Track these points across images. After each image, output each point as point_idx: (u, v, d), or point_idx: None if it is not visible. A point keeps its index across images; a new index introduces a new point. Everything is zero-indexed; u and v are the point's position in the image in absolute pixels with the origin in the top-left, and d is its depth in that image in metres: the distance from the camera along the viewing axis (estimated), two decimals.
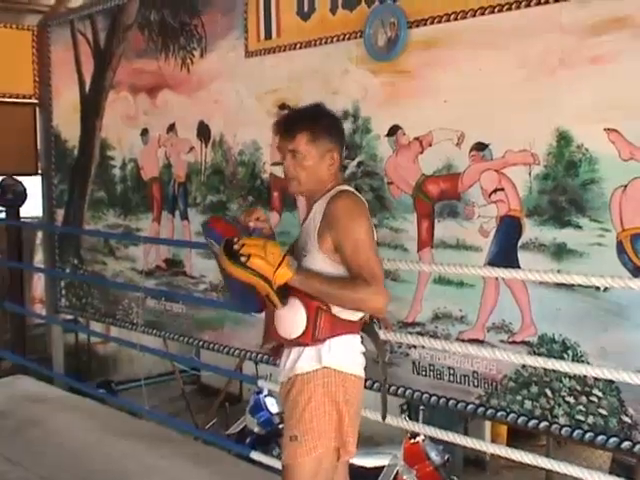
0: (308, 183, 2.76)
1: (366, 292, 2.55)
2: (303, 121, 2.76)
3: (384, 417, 3.08)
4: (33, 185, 7.09)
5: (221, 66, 5.01)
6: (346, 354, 2.75)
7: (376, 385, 3.83)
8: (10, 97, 6.88)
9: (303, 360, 2.73)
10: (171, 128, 5.49)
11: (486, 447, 3.89)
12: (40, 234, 8.40)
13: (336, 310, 2.69)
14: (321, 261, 2.67)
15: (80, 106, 6.37)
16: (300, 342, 2.71)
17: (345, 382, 2.72)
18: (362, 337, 2.86)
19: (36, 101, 6.98)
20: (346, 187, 2.79)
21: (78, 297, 6.63)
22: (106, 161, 6.16)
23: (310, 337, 2.69)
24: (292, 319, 2.70)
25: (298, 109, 2.91)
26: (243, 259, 2.52)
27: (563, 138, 3.32)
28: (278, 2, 4.52)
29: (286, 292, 2.64)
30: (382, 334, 3.78)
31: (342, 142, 2.84)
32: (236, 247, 2.54)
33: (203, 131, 5.20)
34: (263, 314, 2.86)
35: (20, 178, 6.94)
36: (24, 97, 6.95)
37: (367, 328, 2.89)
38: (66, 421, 5.17)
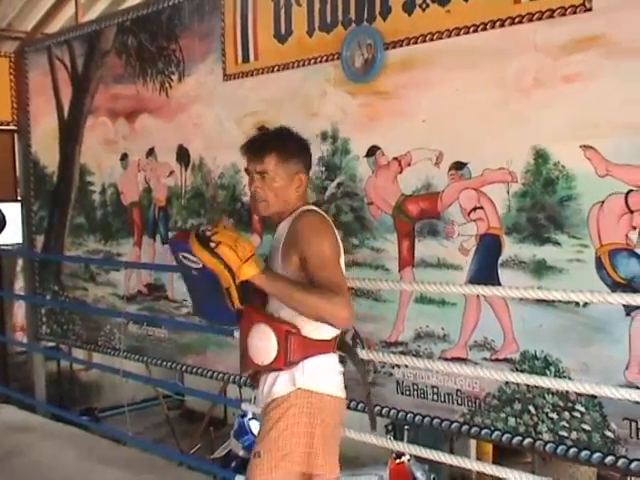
0: (276, 205, 2.77)
1: (331, 301, 2.52)
2: (272, 142, 2.78)
3: (373, 427, 3.10)
4: (12, 212, 7.06)
5: (200, 90, 5.02)
6: (321, 374, 2.75)
7: (360, 405, 3.87)
8: None
9: (278, 384, 2.74)
10: (150, 152, 5.49)
11: (472, 465, 3.88)
12: (20, 261, 8.36)
13: (307, 331, 2.69)
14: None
15: (59, 132, 6.35)
16: (274, 367, 2.72)
17: (320, 402, 2.72)
18: (341, 356, 2.86)
19: (14, 127, 6.96)
20: (310, 207, 2.81)
21: (59, 324, 6.59)
22: (86, 186, 6.15)
23: (283, 361, 2.69)
24: (263, 346, 2.70)
25: (266, 131, 2.92)
26: (212, 245, 2.51)
27: (540, 156, 3.35)
28: (255, 25, 4.54)
29: (248, 294, 2.64)
30: (365, 354, 3.79)
31: (309, 164, 2.87)
32: (208, 233, 2.54)
33: (182, 155, 5.20)
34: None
35: None
36: (2, 124, 6.93)
37: (344, 346, 2.90)
38: (50, 450, 5.14)
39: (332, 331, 2.76)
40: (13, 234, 7.26)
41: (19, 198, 7.11)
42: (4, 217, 6.85)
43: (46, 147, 6.55)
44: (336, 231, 2.77)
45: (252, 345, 2.73)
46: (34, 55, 6.62)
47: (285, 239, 2.71)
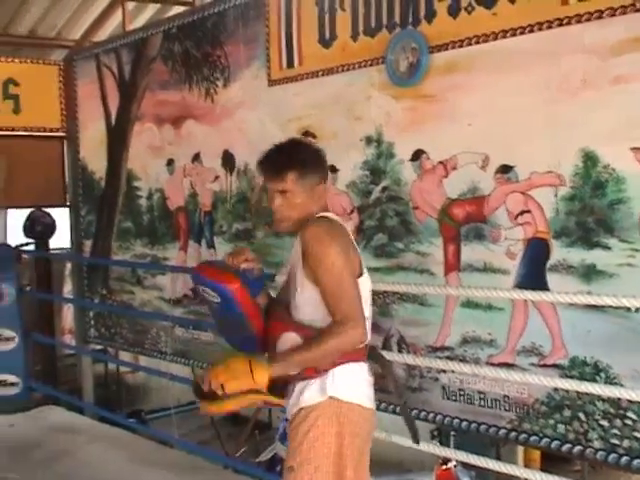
0: (299, 221, 2.74)
1: (340, 337, 2.55)
2: (289, 159, 2.74)
3: (417, 441, 3.05)
4: (61, 217, 7.16)
5: (244, 95, 5.04)
6: (351, 383, 2.72)
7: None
8: (38, 131, 6.98)
9: (307, 393, 2.70)
10: (196, 158, 5.52)
11: (519, 472, 3.83)
12: (69, 265, 8.47)
13: None
14: (311, 292, 2.67)
15: (106, 138, 6.43)
16: (303, 375, 2.69)
17: (350, 412, 2.68)
18: (370, 365, 2.83)
19: (64, 134, 7.07)
20: (322, 214, 2.77)
21: (107, 327, 6.66)
22: (133, 191, 6.21)
23: (313, 369, 2.67)
24: None
25: (279, 147, 2.82)
26: (219, 392, 2.49)
27: (589, 159, 3.29)
28: (299, 30, 4.55)
29: (279, 386, 2.65)
30: (411, 359, 3.78)
31: (327, 172, 2.85)
32: (206, 388, 2.52)
33: (228, 160, 5.23)
34: None
35: (49, 210, 7.01)
36: (52, 131, 7.04)
37: (373, 353, 2.86)
38: (97, 451, 5.20)
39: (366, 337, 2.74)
40: (62, 239, 7.37)
41: (68, 203, 7.21)
42: (54, 222, 6.95)
43: (94, 153, 6.63)
44: (348, 234, 2.76)
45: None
46: (82, 63, 6.71)
47: (301, 252, 2.69)
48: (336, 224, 2.75)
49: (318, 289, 2.64)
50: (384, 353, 3.11)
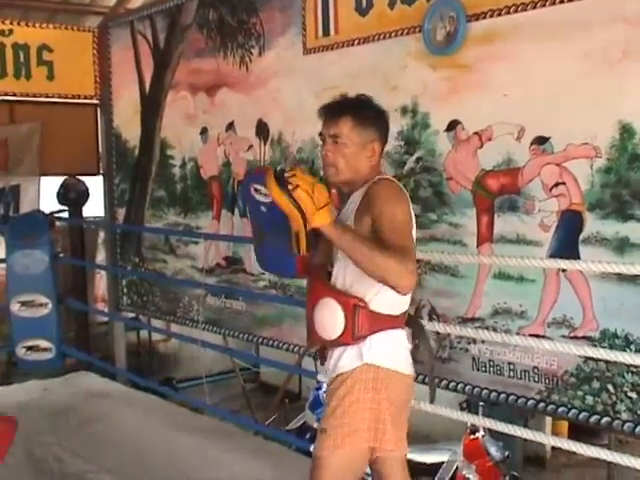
0: (346, 172, 2.72)
1: (398, 263, 2.44)
2: (349, 107, 2.74)
3: (432, 400, 3.14)
4: (95, 185, 7.22)
5: (279, 64, 5.04)
6: (388, 350, 2.73)
7: (435, 381, 3.87)
8: (72, 98, 7.02)
9: (345, 359, 2.73)
10: (230, 127, 5.53)
11: (547, 440, 3.85)
12: (102, 234, 8.55)
13: (374, 305, 2.67)
14: None
15: (140, 106, 6.46)
16: (341, 342, 2.71)
17: (387, 378, 2.70)
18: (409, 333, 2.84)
19: (97, 102, 7.11)
20: (387, 176, 2.78)
21: (139, 295, 6.73)
22: (166, 160, 6.24)
23: (350, 336, 2.67)
24: (330, 320, 2.70)
25: (347, 97, 2.84)
26: (290, 187, 2.45)
27: (626, 131, 3.27)
28: None
29: (315, 244, 2.60)
30: (442, 327, 3.79)
31: (385, 136, 2.82)
32: (287, 174, 2.47)
33: (262, 129, 5.24)
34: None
35: (82, 178, 7.07)
36: (85, 98, 7.08)
37: (410, 320, 2.87)
38: (130, 416, 5.26)
39: (401, 307, 2.75)
40: (95, 207, 7.44)
41: (101, 171, 7.26)
42: (87, 190, 7.00)
43: (128, 121, 6.67)
44: (411, 203, 2.73)
45: (319, 320, 2.73)
46: (117, 30, 6.73)
47: (359, 205, 2.68)
48: (403, 189, 2.74)
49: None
50: None
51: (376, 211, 2.59)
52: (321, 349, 2.91)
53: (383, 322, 2.70)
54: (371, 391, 2.69)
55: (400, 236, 2.54)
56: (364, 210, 2.64)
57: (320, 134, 2.79)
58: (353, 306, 2.66)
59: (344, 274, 2.72)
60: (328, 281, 2.77)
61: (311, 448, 4.13)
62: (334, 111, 2.74)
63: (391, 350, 2.74)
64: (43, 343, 6.25)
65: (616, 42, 3.26)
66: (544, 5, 3.49)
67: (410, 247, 2.57)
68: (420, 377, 3.93)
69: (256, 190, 2.69)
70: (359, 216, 2.66)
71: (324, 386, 5.33)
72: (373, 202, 2.61)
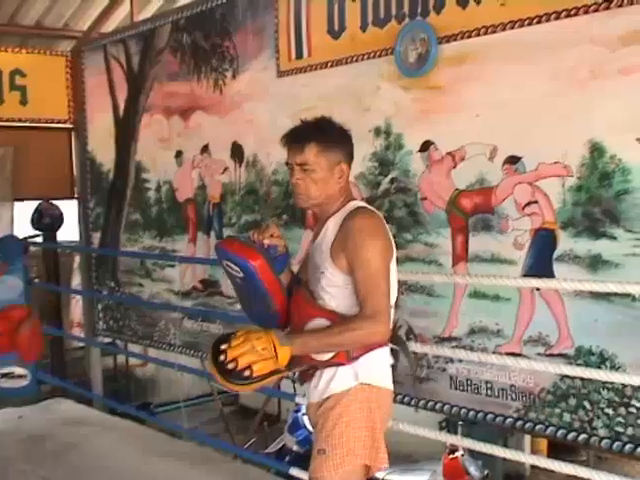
0: (318, 197, 2.73)
1: (365, 329, 2.56)
2: (312, 132, 2.72)
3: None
4: (70, 209, 7.18)
5: (253, 86, 5.06)
6: (379, 368, 2.75)
7: (414, 401, 3.88)
8: (46, 122, 7.00)
9: (337, 379, 2.72)
10: (205, 149, 5.54)
11: (526, 458, 3.87)
12: (77, 259, 8.50)
13: None
14: (340, 279, 2.67)
15: (114, 130, 6.45)
16: (335, 362, 2.70)
17: (378, 396, 2.72)
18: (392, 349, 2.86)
19: (71, 126, 7.09)
20: (361, 203, 2.78)
21: (115, 320, 6.69)
22: (141, 184, 6.23)
23: (345, 356, 2.68)
24: None
25: (304, 121, 2.82)
26: (247, 373, 2.45)
27: (596, 149, 3.31)
28: (309, 21, 4.57)
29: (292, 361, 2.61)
30: (419, 347, 3.80)
31: (351, 154, 2.81)
32: (231, 366, 2.46)
33: (237, 151, 5.24)
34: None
35: (56, 202, 7.03)
36: (59, 122, 7.07)
37: (395, 338, 2.88)
38: (107, 443, 5.21)
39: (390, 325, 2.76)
40: (70, 231, 7.40)
41: (76, 195, 7.23)
42: (62, 214, 6.96)
43: (102, 145, 6.65)
44: (388, 230, 2.75)
45: None
46: (90, 54, 6.73)
47: (336, 238, 2.68)
48: (379, 218, 2.75)
49: (348, 278, 2.64)
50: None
51: (349, 252, 2.61)
52: (306, 370, 2.89)
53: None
54: (366, 410, 2.70)
55: (372, 285, 2.59)
56: (339, 246, 2.65)
57: (287, 163, 2.78)
58: None
59: (330, 298, 2.72)
60: (314, 301, 2.77)
61: (291, 471, 4.15)
62: (298, 139, 2.73)
63: (381, 368, 2.77)
64: (18, 370, 6.19)
65: (583, 62, 3.31)
66: (513, 27, 3.53)
67: (379, 294, 2.60)
68: (399, 397, 3.97)
69: (228, 265, 2.76)
70: (336, 251, 2.66)
71: (303, 408, 5.31)
72: (346, 241, 2.63)
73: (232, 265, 2.72)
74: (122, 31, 6.48)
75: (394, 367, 2.90)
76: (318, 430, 2.79)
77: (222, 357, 2.47)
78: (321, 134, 2.71)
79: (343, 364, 2.70)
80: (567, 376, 3.41)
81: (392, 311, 2.76)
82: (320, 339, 2.60)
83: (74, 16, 8.35)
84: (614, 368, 3.30)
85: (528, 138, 3.55)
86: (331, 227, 2.73)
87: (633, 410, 3.26)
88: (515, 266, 3.64)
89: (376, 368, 2.74)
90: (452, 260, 3.92)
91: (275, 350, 2.48)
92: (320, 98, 4.49)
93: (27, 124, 6.94)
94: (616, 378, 3.13)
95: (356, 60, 4.29)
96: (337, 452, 2.68)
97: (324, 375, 2.76)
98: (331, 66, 4.45)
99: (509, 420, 3.72)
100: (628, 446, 3.30)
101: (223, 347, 2.48)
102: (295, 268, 3.02)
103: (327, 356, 2.70)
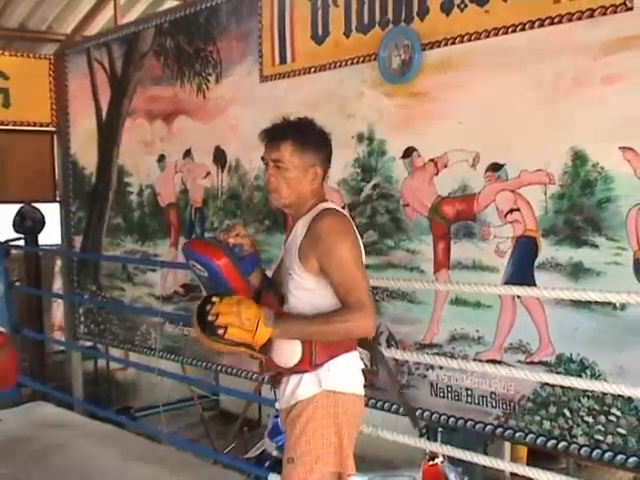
0: (289, 197, 2.73)
1: (351, 321, 2.56)
2: (290, 131, 2.73)
3: (416, 424, 3.13)
4: (51, 212, 7.14)
5: (237, 91, 5.05)
6: (346, 373, 2.74)
7: (394, 407, 3.87)
8: (28, 125, 6.96)
9: (303, 386, 2.72)
10: (187, 154, 5.52)
11: (505, 466, 3.86)
12: (59, 262, 8.46)
13: None
14: (309, 281, 2.67)
15: (97, 133, 6.43)
16: (299, 369, 2.71)
17: (346, 402, 2.71)
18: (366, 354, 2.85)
19: (54, 129, 7.05)
20: (330, 205, 2.77)
21: (97, 324, 6.66)
22: (123, 188, 6.21)
23: (308, 363, 2.68)
24: (288, 348, 2.69)
25: (284, 119, 2.83)
26: (220, 331, 2.50)
27: (578, 157, 3.32)
28: (292, 27, 4.56)
29: (267, 345, 2.64)
30: (400, 354, 3.79)
31: (327, 158, 2.80)
32: (210, 318, 2.51)
33: (219, 156, 5.23)
34: None
35: (38, 205, 6.99)
36: (42, 125, 7.03)
37: (366, 344, 2.87)
38: (87, 447, 5.17)
39: None
40: (52, 235, 7.36)
41: (58, 199, 7.19)
42: (43, 218, 6.93)
43: (85, 148, 6.63)
44: (356, 230, 2.75)
45: (276, 347, 2.71)
46: (73, 57, 6.71)
47: (304, 239, 2.67)
48: (347, 218, 2.76)
49: (318, 280, 2.65)
50: None
51: (320, 253, 2.61)
52: (275, 375, 2.89)
53: (339, 347, 2.71)
54: (332, 416, 2.69)
55: (350, 279, 2.60)
56: (308, 247, 2.65)
57: (262, 158, 2.79)
58: None
59: (296, 301, 2.72)
60: (282, 308, 2.77)
61: (270, 477, 4.13)
62: (275, 135, 2.74)
63: (348, 374, 2.75)
64: None
65: (567, 70, 3.32)
66: (497, 34, 3.54)
67: (360, 288, 2.61)
68: (379, 403, 3.97)
69: (193, 265, 2.78)
70: (304, 253, 2.66)
71: None
72: (316, 243, 2.62)
73: (197, 265, 2.73)
74: (105, 34, 6.45)
75: (374, 373, 2.90)
76: (287, 438, 2.79)
77: (208, 307, 2.53)
78: (299, 134, 2.72)
79: (307, 371, 2.70)
80: (547, 384, 3.41)
81: None
82: (304, 327, 2.62)
83: (58, 19, 8.34)
84: (594, 376, 3.30)
85: (511, 145, 3.56)
86: (300, 228, 2.72)
87: (613, 418, 3.27)
88: (497, 273, 3.64)
89: (342, 374, 2.72)
90: (434, 267, 3.92)
91: (257, 326, 2.51)
92: (303, 103, 4.47)
93: (9, 127, 6.89)
94: (596, 386, 3.12)
95: (340, 66, 4.28)
96: (305, 460, 2.67)
97: (290, 381, 2.76)
98: (314, 71, 4.44)
99: (489, 427, 3.72)
100: (607, 454, 3.30)
101: (214, 299, 2.54)
102: (271, 273, 3.01)
103: (291, 363, 2.70)
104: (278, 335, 2.59)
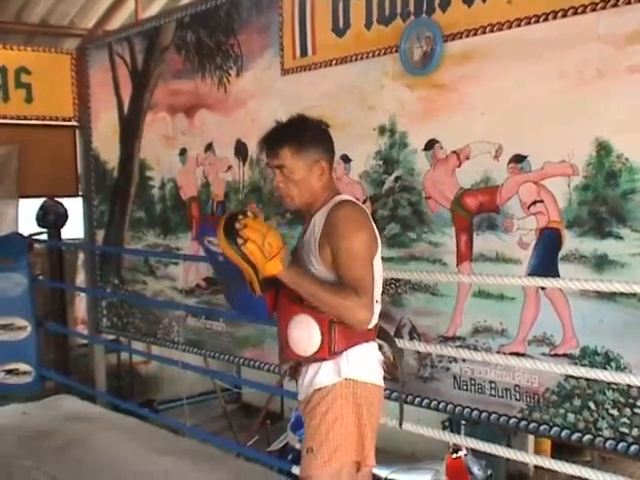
0: (301, 197, 2.74)
1: (353, 303, 2.55)
2: (285, 135, 2.73)
3: (401, 424, 3.13)
4: (74, 207, 7.18)
5: (257, 84, 5.05)
6: (364, 363, 2.74)
7: (417, 400, 3.87)
8: (50, 120, 6.99)
9: (322, 375, 2.72)
10: (209, 147, 5.53)
11: (529, 458, 3.85)
12: (81, 256, 8.50)
13: None
14: (325, 276, 2.66)
15: (119, 128, 6.45)
16: (318, 358, 2.71)
17: (365, 392, 2.71)
18: (380, 345, 2.85)
19: (76, 123, 7.08)
20: (347, 197, 2.78)
21: (119, 317, 6.69)
22: (145, 181, 6.23)
23: (327, 351, 2.68)
24: (306, 336, 2.69)
25: (280, 123, 2.83)
26: (240, 241, 2.50)
27: (602, 148, 3.29)
28: (313, 19, 4.55)
29: (271, 283, 2.64)
30: (423, 347, 3.79)
31: (330, 149, 2.80)
32: (237, 226, 2.51)
33: (240, 150, 5.23)
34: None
35: (61, 200, 7.03)
36: (64, 120, 7.05)
37: (383, 334, 2.88)
38: (110, 439, 5.21)
39: (372, 320, 2.75)
40: (74, 229, 7.39)
41: (80, 193, 7.22)
42: (66, 212, 6.96)
43: (107, 143, 6.65)
44: (373, 223, 2.75)
45: (293, 336, 2.72)
46: (95, 52, 6.72)
47: (322, 231, 2.68)
48: (363, 209, 2.77)
49: (332, 274, 2.64)
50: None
51: (334, 244, 2.62)
52: (293, 366, 2.90)
53: (358, 336, 2.71)
54: (352, 406, 2.69)
55: (355, 273, 2.60)
56: (324, 238, 2.66)
57: (267, 164, 2.81)
58: (329, 322, 2.66)
59: None
60: (299, 298, 2.76)
61: (293, 469, 4.14)
62: (271, 144, 2.75)
63: (367, 363, 2.75)
64: (22, 366, 6.18)
65: (590, 61, 3.28)
66: (519, 25, 3.51)
67: (365, 281, 2.61)
68: (409, 398, 3.96)
69: (210, 242, 2.75)
70: (322, 244, 2.67)
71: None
72: (331, 233, 2.63)
73: (214, 240, 2.68)
74: (127, 29, 6.47)
75: (396, 366, 2.90)
76: (306, 428, 2.79)
77: (240, 216, 2.54)
78: (293, 137, 2.71)
79: (326, 359, 2.70)
80: (572, 376, 3.39)
81: (378, 307, 2.76)
82: (312, 285, 2.60)
83: (79, 14, 8.37)
84: (619, 369, 3.28)
85: (534, 137, 3.53)
86: (317, 221, 2.73)
87: (638, 411, 3.24)
88: (520, 265, 3.62)
89: (361, 363, 2.73)
90: (456, 259, 3.90)
91: (273, 256, 2.51)
92: (324, 96, 4.48)
93: (32, 122, 6.92)
94: (621, 379, 3.10)
95: (361, 58, 4.27)
96: (324, 449, 2.67)
97: (309, 371, 2.77)
98: (335, 64, 4.43)
99: (513, 420, 3.70)
100: (633, 447, 3.28)
101: (249, 214, 2.56)
102: None
103: (310, 351, 2.69)
104: (285, 276, 2.57)
